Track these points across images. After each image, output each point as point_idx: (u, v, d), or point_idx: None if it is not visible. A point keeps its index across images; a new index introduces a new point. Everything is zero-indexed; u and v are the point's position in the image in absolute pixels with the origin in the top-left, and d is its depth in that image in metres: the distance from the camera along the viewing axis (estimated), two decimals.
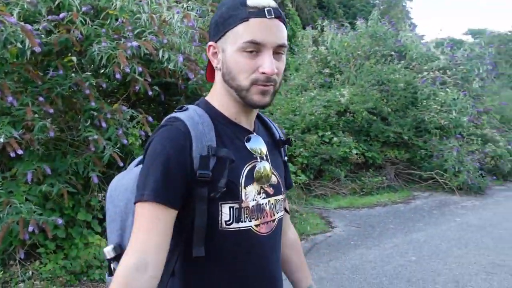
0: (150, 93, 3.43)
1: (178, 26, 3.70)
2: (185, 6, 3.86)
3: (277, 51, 1.01)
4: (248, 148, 1.09)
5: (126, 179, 1.11)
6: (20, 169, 3.29)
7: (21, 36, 2.91)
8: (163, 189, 0.95)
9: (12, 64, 3.25)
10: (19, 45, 2.95)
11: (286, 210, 1.28)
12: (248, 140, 1.10)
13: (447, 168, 7.68)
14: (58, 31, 3.26)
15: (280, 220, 1.17)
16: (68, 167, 3.46)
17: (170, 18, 3.71)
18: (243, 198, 1.03)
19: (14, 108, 3.10)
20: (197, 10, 3.96)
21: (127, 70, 3.11)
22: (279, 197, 1.14)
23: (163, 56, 3.46)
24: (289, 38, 15.10)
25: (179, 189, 0.97)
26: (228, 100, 1.07)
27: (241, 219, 1.03)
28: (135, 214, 0.98)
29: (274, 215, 1.12)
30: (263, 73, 0.99)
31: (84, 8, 3.27)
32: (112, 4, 3.43)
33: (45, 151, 3.43)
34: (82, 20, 3.25)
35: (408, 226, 5.64)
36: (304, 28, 15.88)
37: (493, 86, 11.59)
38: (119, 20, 3.36)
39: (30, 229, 2.94)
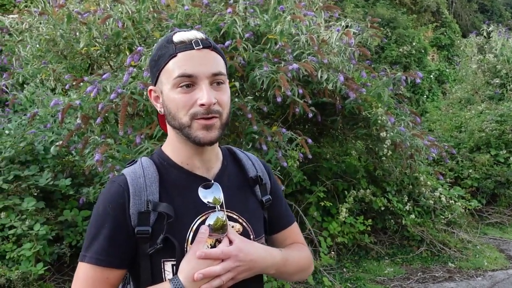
0: (310, 115, 3.35)
1: (336, 45, 3.58)
2: (343, 24, 3.73)
3: (215, 81, 0.98)
4: (202, 198, 1.03)
5: None
6: None
7: None
8: (106, 252, 0.96)
9: None
10: None
11: None
12: (204, 188, 1.04)
13: None
14: None
15: None
16: None
17: (329, 37, 3.61)
18: None
19: None
20: (357, 27, 3.79)
21: (289, 93, 3.09)
22: None
23: (321, 77, 3.37)
24: (447, 48, 13.96)
25: (125, 248, 0.97)
26: (179, 144, 1.04)
27: None
28: (76, 271, 0.99)
29: None
30: (202, 105, 0.95)
31: (246, 35, 3.38)
32: (272, 29, 3.48)
33: None
34: (245, 46, 3.36)
35: None
36: (464, 36, 14.46)
37: None
38: (279, 44, 3.38)
39: None
